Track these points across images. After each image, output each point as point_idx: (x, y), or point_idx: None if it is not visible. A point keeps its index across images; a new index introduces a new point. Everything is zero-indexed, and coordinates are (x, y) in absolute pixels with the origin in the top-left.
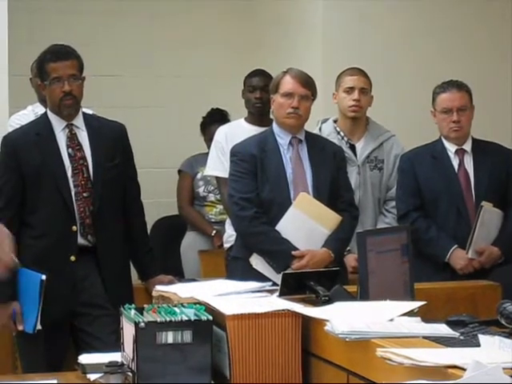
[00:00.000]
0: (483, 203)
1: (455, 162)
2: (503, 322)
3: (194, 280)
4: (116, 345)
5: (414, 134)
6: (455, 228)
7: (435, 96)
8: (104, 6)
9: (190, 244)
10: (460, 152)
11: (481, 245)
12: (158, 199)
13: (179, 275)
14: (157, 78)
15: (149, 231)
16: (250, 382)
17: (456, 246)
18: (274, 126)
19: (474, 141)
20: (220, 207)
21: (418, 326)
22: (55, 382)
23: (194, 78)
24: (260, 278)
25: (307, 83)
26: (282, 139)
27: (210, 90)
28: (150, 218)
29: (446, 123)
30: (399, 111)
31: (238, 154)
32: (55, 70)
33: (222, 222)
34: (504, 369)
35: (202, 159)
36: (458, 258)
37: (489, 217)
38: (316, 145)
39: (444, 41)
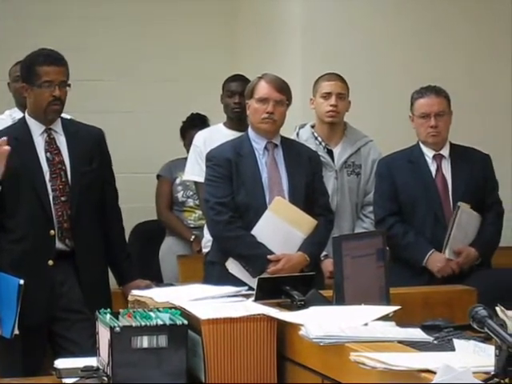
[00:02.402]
0: (460, 203)
1: (433, 168)
2: (475, 326)
3: (171, 285)
4: (94, 349)
5: (395, 138)
6: (433, 233)
7: (413, 101)
8: (86, 12)
9: (169, 249)
10: (438, 157)
11: (458, 245)
12: (137, 204)
13: (158, 280)
14: (135, 83)
15: (128, 236)
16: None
17: (433, 250)
18: (250, 130)
19: (452, 146)
20: (199, 212)
21: (392, 331)
22: None
23: (172, 83)
24: (236, 282)
25: (282, 88)
26: (258, 144)
27: (189, 95)
28: (129, 223)
29: (423, 128)
30: (380, 116)
31: (213, 159)
32: (47, 74)
33: (201, 227)
34: (476, 373)
35: (180, 164)
36: (436, 260)
37: (466, 217)
38: (291, 149)
39: (429, 42)
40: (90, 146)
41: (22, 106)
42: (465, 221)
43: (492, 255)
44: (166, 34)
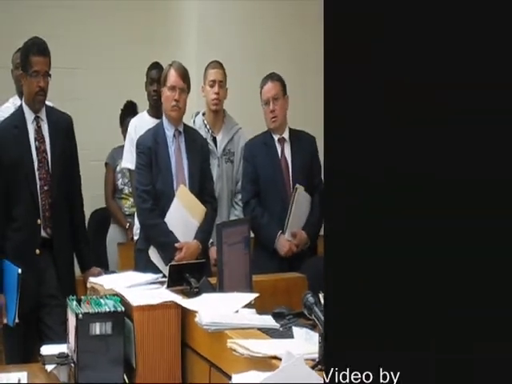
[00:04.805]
0: (297, 186)
1: (279, 150)
2: (306, 312)
3: (113, 272)
4: (64, 335)
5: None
6: (280, 213)
7: (260, 91)
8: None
9: (112, 237)
10: (281, 140)
11: (294, 228)
12: (90, 192)
13: (106, 268)
14: (90, 71)
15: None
16: (147, 371)
17: (280, 232)
18: (164, 118)
19: (290, 130)
20: (132, 200)
21: (253, 318)
22: (25, 375)
23: (123, 70)
24: (157, 269)
25: (185, 77)
26: (169, 131)
27: (127, 83)
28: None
29: (267, 115)
30: (253, 102)
31: (139, 147)
32: (36, 64)
33: (133, 215)
34: (307, 360)
35: (120, 151)
36: (282, 244)
37: (302, 200)
38: (190, 137)
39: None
40: (65, 134)
41: (21, 93)
42: (300, 203)
43: (317, 237)
44: (106, 27)
